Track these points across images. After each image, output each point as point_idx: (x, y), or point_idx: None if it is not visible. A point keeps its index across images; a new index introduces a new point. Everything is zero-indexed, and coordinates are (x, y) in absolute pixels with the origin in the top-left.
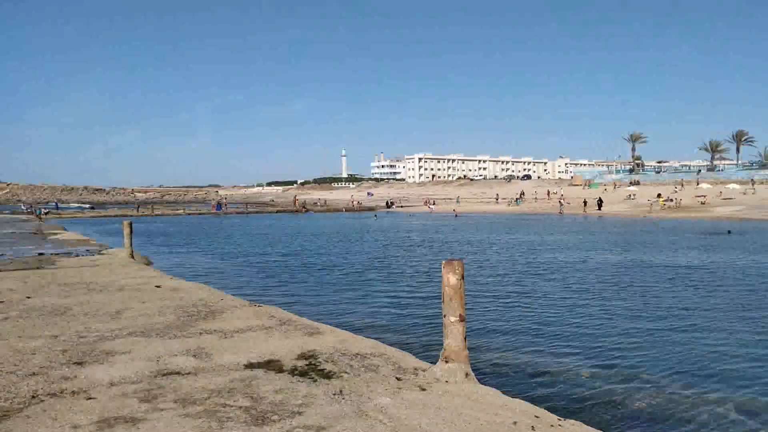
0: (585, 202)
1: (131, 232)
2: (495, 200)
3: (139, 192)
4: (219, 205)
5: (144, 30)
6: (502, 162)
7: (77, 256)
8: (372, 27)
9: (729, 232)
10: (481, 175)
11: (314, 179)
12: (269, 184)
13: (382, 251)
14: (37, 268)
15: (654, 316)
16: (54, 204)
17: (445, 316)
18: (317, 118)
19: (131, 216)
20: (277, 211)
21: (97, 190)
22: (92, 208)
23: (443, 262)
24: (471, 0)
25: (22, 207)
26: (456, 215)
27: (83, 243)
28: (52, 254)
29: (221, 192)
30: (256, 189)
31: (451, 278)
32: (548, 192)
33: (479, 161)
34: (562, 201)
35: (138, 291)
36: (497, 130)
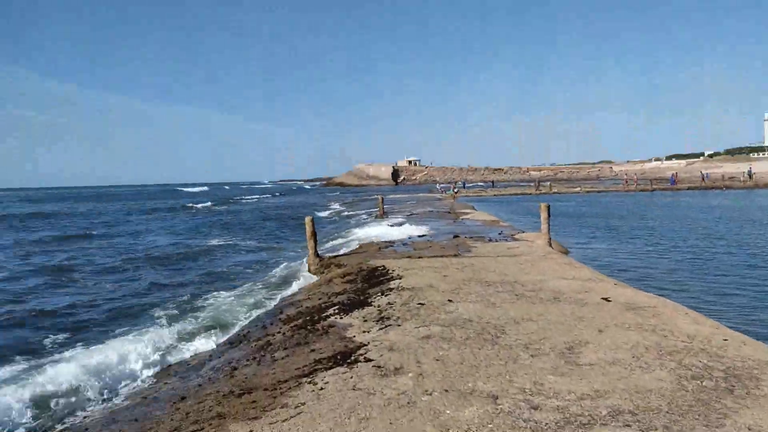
0: None
1: (549, 215)
2: None
3: (534, 171)
4: (672, 179)
5: None
6: None
7: (490, 240)
8: None
9: None
10: None
11: (725, 150)
12: (669, 158)
13: None
14: (455, 255)
15: None
16: (462, 183)
17: None
18: (727, 77)
19: (529, 194)
20: (688, 188)
21: (496, 169)
22: (492, 185)
23: None
24: None
25: (438, 187)
26: None
27: (493, 224)
28: (466, 237)
29: (615, 168)
30: (653, 164)
31: None
32: None
33: None
34: None
35: (581, 305)
36: None
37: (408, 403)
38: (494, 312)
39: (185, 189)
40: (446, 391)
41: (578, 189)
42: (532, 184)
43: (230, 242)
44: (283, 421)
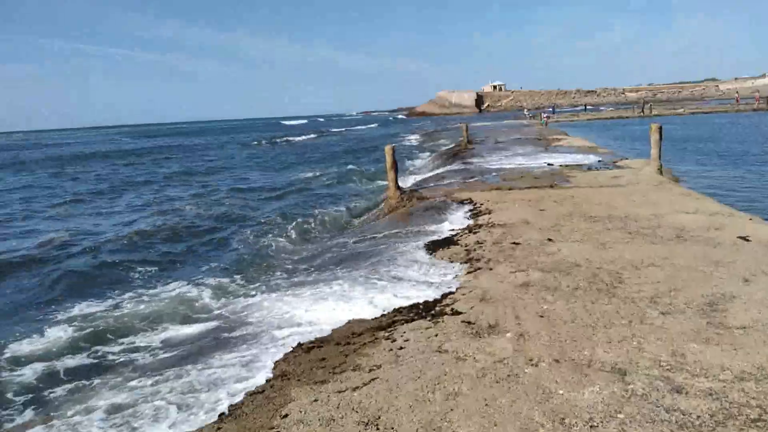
0: None
1: (660, 138)
2: None
3: (630, 92)
4: None
5: None
6: None
7: (590, 169)
8: None
9: None
10: None
11: None
12: None
13: None
14: (551, 186)
15: None
16: (551, 108)
17: None
18: None
19: (627, 118)
20: None
21: (588, 92)
22: (585, 109)
23: None
24: None
25: (525, 112)
26: None
27: (591, 151)
28: (560, 165)
29: (722, 87)
30: (765, 80)
31: None
32: None
33: None
34: None
35: (713, 246)
36: None
37: (508, 375)
38: (606, 254)
39: (287, 122)
40: (556, 361)
41: (681, 110)
42: (629, 106)
43: (315, 174)
44: (354, 389)
